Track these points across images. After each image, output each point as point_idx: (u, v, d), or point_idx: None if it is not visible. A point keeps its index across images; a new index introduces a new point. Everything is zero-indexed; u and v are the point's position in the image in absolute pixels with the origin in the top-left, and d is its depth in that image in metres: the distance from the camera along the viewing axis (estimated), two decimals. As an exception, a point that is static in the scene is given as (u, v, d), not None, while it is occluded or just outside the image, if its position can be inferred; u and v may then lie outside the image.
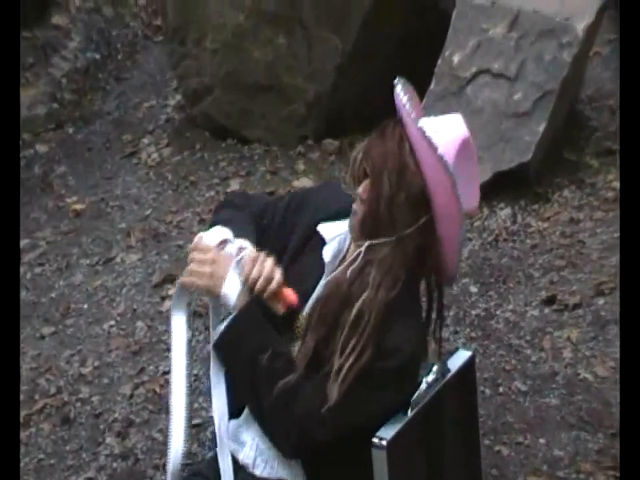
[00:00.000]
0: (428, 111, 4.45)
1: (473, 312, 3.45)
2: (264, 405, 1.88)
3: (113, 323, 3.90)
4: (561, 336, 3.21)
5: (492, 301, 3.50)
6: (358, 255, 1.87)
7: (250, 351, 1.89)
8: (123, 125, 5.69)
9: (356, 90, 4.86)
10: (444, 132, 1.86)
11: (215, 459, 2.04)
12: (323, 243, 2.02)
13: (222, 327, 1.95)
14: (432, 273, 1.99)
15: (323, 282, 1.97)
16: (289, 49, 4.91)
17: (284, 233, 2.08)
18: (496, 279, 3.63)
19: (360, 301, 1.83)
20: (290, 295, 1.94)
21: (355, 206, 1.92)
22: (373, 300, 1.83)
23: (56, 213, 4.92)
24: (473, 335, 3.32)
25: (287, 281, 1.97)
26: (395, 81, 1.90)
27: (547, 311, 3.37)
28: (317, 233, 2.03)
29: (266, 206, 2.14)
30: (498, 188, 4.14)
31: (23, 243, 4.67)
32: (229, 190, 4.75)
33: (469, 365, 2.12)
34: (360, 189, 1.89)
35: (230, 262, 1.93)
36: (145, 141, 5.47)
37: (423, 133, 1.81)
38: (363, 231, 1.89)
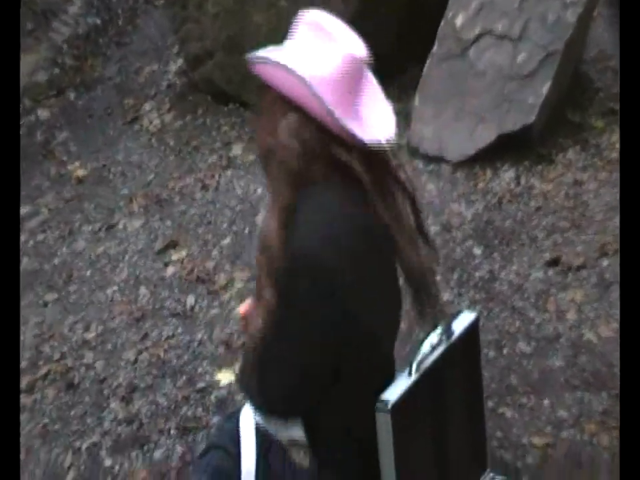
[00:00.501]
0: (430, 74, 4.46)
1: (477, 274, 3.43)
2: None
3: (115, 289, 3.90)
4: (565, 297, 3.19)
5: (496, 263, 3.48)
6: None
7: None
8: (124, 91, 5.65)
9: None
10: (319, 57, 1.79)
11: (233, 429, 2.05)
12: None
13: None
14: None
15: None
16: (291, 12, 4.86)
17: None
18: (500, 241, 3.60)
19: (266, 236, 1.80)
20: None
21: None
22: (271, 226, 1.79)
23: (58, 179, 4.90)
24: (477, 297, 3.30)
25: None
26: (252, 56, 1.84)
27: (550, 272, 3.35)
28: None
29: None
30: (501, 150, 4.11)
31: (25, 210, 4.67)
32: (231, 154, 4.73)
33: (473, 327, 2.11)
34: None
35: None
36: (147, 106, 5.43)
37: (280, 65, 1.76)
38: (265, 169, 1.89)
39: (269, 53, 1.81)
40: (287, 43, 1.85)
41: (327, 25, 1.82)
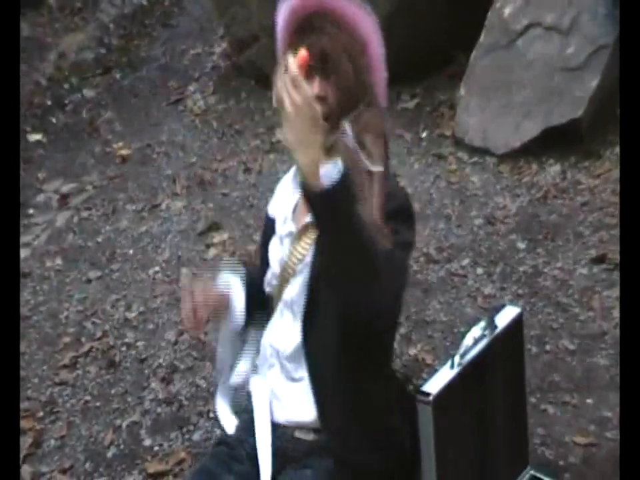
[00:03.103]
0: (477, 65, 4.43)
1: (521, 269, 3.41)
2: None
3: (157, 269, 3.93)
4: (611, 295, 3.15)
5: (540, 258, 3.44)
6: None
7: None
8: (169, 72, 5.69)
9: (404, 39, 4.78)
10: None
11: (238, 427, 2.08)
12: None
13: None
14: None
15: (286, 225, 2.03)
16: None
17: None
18: (544, 235, 3.57)
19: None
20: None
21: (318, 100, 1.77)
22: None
23: (103, 157, 4.94)
24: (520, 291, 3.27)
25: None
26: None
27: (596, 269, 3.31)
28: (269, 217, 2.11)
29: None
30: (548, 143, 4.08)
31: (70, 187, 4.72)
32: (274, 139, 4.73)
33: (517, 322, 2.10)
34: (316, 89, 1.83)
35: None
36: (191, 88, 5.46)
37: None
38: (337, 114, 1.86)
39: None
40: None
41: None
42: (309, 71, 1.78)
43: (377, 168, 1.83)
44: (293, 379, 1.97)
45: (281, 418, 1.99)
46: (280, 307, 2.01)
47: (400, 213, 1.87)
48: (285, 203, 2.07)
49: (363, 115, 1.87)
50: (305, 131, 1.62)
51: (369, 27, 1.90)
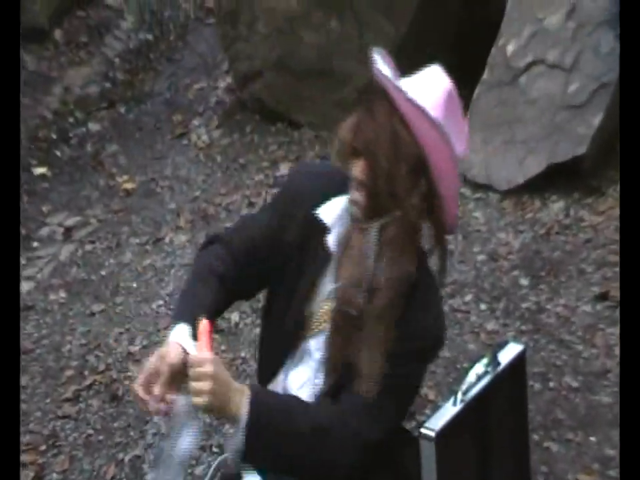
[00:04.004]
0: (480, 101, 4.45)
1: (524, 305, 3.42)
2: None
3: (161, 302, 3.93)
4: (614, 333, 3.16)
5: (543, 295, 3.45)
6: (369, 240, 1.82)
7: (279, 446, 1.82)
8: (173, 106, 5.72)
9: (407, 76, 4.83)
10: (427, 89, 1.79)
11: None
12: (324, 229, 1.93)
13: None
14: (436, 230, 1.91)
15: (331, 272, 1.92)
16: (340, 33, 4.89)
17: (281, 237, 1.97)
18: (547, 272, 3.58)
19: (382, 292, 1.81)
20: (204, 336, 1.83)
21: (352, 191, 1.83)
22: (390, 283, 1.81)
23: (107, 191, 4.96)
24: (523, 328, 3.28)
25: (290, 277, 1.95)
26: (373, 53, 1.83)
27: (599, 307, 3.32)
28: (317, 219, 1.93)
29: (255, 230, 2.02)
30: (551, 180, 4.10)
31: (74, 220, 4.74)
32: (278, 174, 4.75)
33: (519, 359, 2.11)
34: (356, 172, 1.80)
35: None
36: (195, 122, 5.49)
37: (407, 96, 1.73)
38: (368, 215, 1.82)
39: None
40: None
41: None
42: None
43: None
44: None
45: None
46: (299, 351, 1.99)
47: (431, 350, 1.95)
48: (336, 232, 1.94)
49: (390, 226, 1.81)
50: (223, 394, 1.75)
51: (432, 141, 1.77)
